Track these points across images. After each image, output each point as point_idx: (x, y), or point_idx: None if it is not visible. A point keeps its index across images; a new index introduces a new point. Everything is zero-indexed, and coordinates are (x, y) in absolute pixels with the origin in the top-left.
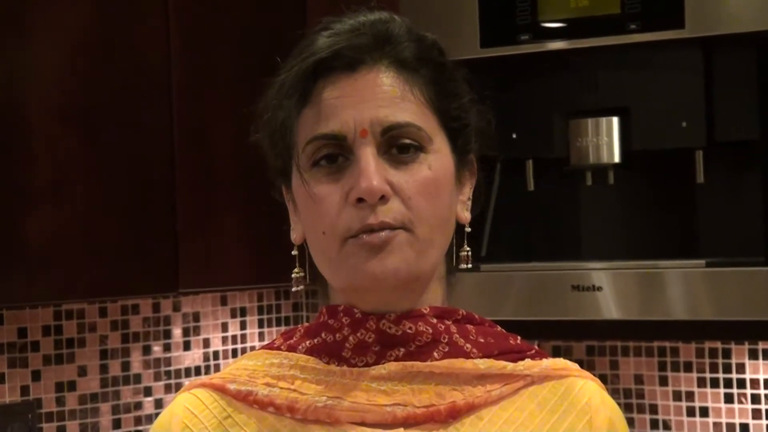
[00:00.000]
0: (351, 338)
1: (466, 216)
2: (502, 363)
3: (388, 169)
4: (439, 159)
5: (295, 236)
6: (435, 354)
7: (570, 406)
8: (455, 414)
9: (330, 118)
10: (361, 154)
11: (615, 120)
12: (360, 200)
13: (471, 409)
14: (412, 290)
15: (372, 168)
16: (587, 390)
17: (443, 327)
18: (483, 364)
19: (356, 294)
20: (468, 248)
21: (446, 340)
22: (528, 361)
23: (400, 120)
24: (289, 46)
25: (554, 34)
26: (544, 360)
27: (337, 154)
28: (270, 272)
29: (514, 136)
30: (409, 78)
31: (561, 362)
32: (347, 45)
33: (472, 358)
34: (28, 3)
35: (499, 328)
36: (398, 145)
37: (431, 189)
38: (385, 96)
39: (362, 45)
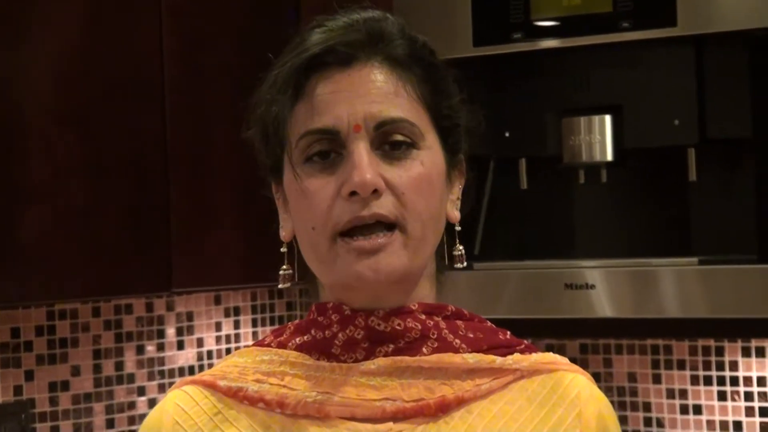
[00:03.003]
0: (340, 335)
1: (456, 215)
2: (491, 357)
3: (381, 164)
4: (430, 156)
5: (284, 234)
6: (424, 350)
7: (559, 400)
8: (445, 408)
9: (323, 113)
10: (354, 149)
11: (608, 118)
12: (353, 194)
13: (461, 403)
14: (402, 287)
15: (365, 161)
16: (577, 384)
17: (432, 323)
18: (472, 359)
19: (346, 292)
20: (461, 247)
21: (435, 335)
22: (517, 356)
23: (394, 115)
24: (283, 47)
25: (547, 32)
26: (533, 354)
27: (329, 150)
28: (263, 272)
29: (507, 134)
30: (402, 75)
31: (550, 356)
32: (341, 41)
33: (461, 353)
34: (24, 4)
35: (488, 323)
36: (390, 142)
37: (424, 185)
38: (378, 91)
39: (356, 41)
